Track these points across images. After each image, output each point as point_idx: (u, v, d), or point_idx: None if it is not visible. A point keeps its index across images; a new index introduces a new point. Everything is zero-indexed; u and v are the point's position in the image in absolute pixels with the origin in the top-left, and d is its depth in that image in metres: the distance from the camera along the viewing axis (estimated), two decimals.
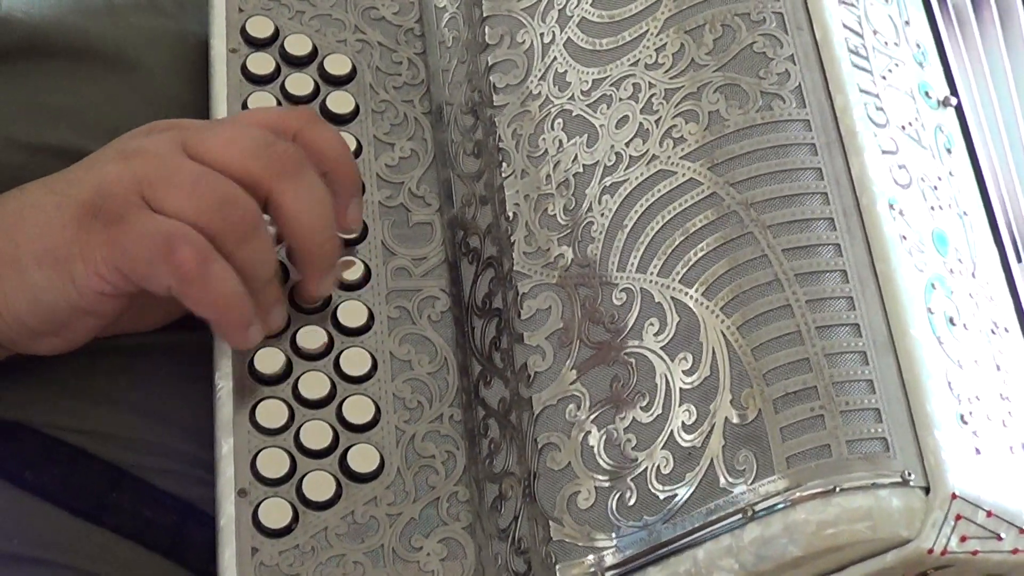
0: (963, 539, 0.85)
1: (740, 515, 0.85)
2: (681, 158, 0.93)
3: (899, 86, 0.95)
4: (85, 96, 1.07)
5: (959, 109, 0.97)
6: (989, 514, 0.85)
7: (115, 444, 1.03)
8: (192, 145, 0.97)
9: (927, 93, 0.97)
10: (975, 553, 0.85)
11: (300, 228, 0.97)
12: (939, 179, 0.94)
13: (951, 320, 0.89)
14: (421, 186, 1.06)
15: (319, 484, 0.96)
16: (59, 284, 0.96)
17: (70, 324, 0.99)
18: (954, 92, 0.98)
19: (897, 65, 0.96)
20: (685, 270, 0.91)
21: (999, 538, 0.86)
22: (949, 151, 0.96)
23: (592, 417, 0.92)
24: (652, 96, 0.96)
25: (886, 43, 0.97)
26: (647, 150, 0.95)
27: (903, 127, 0.94)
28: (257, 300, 0.96)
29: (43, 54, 1.07)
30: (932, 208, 0.93)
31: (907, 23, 0.99)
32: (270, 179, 0.95)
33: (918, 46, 0.99)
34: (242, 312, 0.96)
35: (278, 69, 1.08)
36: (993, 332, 0.91)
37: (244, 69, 1.08)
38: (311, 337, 1.00)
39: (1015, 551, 0.86)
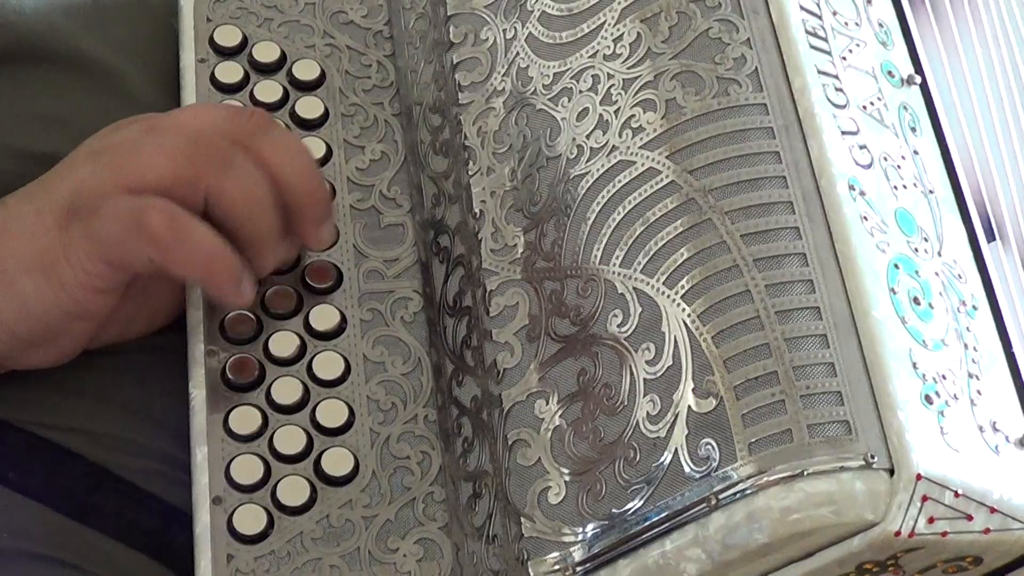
0: (931, 520, 0.83)
1: (704, 504, 0.84)
2: (640, 148, 0.93)
3: (860, 66, 0.94)
4: (76, 104, 1.08)
5: (924, 87, 0.96)
6: (957, 494, 0.84)
7: (102, 443, 1.03)
8: (159, 128, 0.97)
9: (890, 72, 0.96)
10: (944, 535, 0.84)
11: (288, 178, 0.97)
12: (903, 158, 0.93)
13: (915, 300, 0.88)
14: (392, 188, 1.06)
15: (293, 489, 0.96)
16: (48, 290, 0.97)
17: (62, 330, 0.99)
18: (919, 70, 0.97)
19: (858, 45, 0.95)
20: (646, 260, 0.90)
21: (969, 518, 0.84)
22: (914, 130, 0.95)
23: (560, 412, 0.91)
24: (611, 87, 0.95)
25: (846, 23, 0.96)
26: (607, 141, 0.94)
27: (864, 107, 0.93)
28: (254, 234, 0.96)
29: (34, 58, 1.08)
30: (895, 188, 0.92)
31: (869, 3, 0.97)
32: (245, 138, 0.96)
33: (880, 25, 0.97)
34: (228, 263, 0.95)
35: (247, 77, 1.08)
36: (959, 311, 0.90)
37: (213, 78, 1.08)
38: (284, 343, 1.00)
39: (987, 531, 0.85)
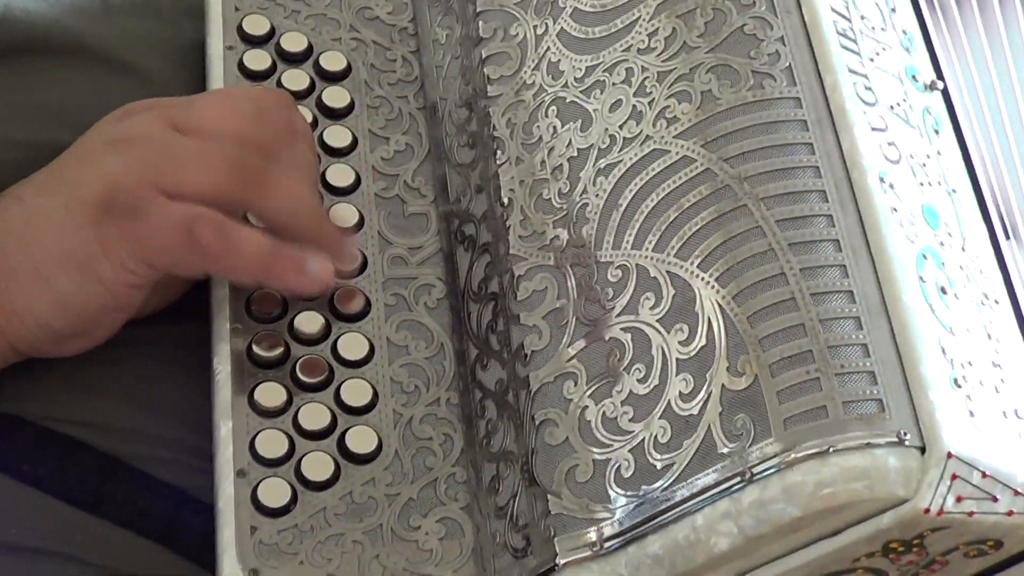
0: (959, 499, 0.85)
1: (738, 479, 0.86)
2: (675, 137, 0.95)
3: (887, 68, 0.97)
4: (82, 95, 1.08)
5: (945, 93, 0.99)
6: (984, 475, 0.86)
7: (110, 434, 1.03)
8: (180, 121, 0.98)
9: (914, 76, 0.99)
10: (971, 514, 0.86)
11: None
12: (927, 157, 0.96)
13: (942, 289, 0.91)
14: (416, 178, 1.08)
15: (318, 465, 0.97)
16: (87, 286, 0.97)
17: (100, 322, 1.00)
18: (940, 76, 1.00)
19: (884, 49, 0.98)
20: (680, 244, 0.92)
21: (994, 499, 0.87)
22: (937, 132, 0.98)
23: (589, 392, 0.93)
24: (645, 79, 0.98)
25: (873, 28, 0.99)
26: (641, 131, 0.96)
27: (891, 107, 0.96)
28: (316, 238, 0.98)
29: (40, 53, 1.08)
30: (921, 184, 0.94)
31: (893, 10, 1.01)
32: (270, 147, 0.97)
33: (904, 32, 1.01)
34: (284, 257, 0.97)
35: (274, 65, 1.10)
36: (983, 303, 0.93)
37: (241, 65, 1.09)
38: (309, 322, 1.01)
39: (1010, 513, 0.87)
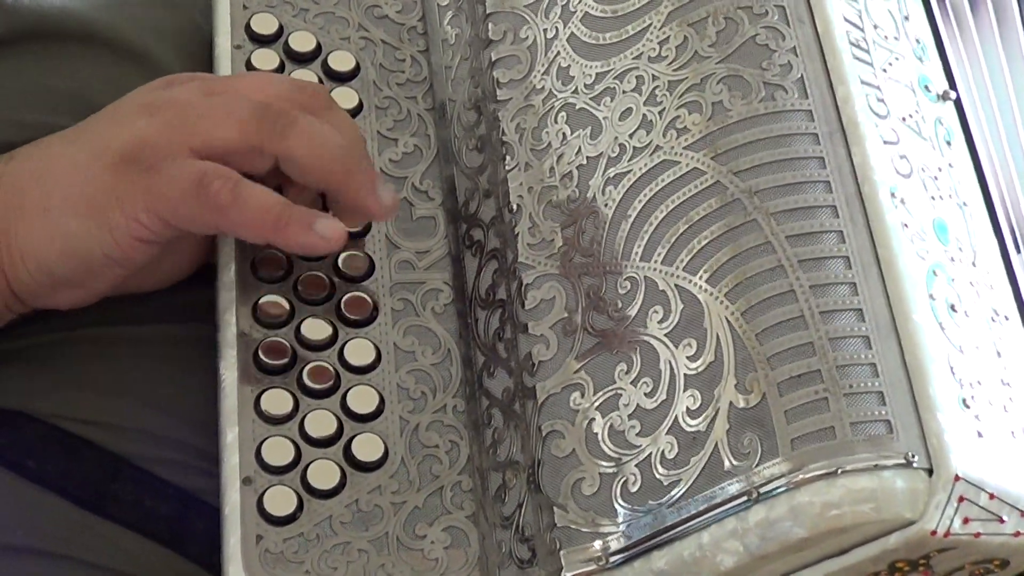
0: (966, 521, 0.85)
1: (745, 497, 0.86)
2: (685, 148, 0.94)
3: (899, 79, 0.97)
4: (92, 81, 1.08)
5: (958, 103, 0.99)
6: (991, 496, 0.86)
7: (117, 434, 1.03)
8: (217, 89, 0.98)
9: (927, 87, 0.98)
10: (977, 535, 0.86)
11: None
12: (939, 170, 0.95)
13: (952, 307, 0.90)
14: (424, 181, 1.07)
15: (324, 472, 0.97)
16: (96, 232, 0.97)
17: (99, 274, 0.99)
18: (953, 86, 0.99)
19: (897, 59, 0.98)
20: (689, 258, 0.92)
21: (1001, 520, 0.86)
22: (949, 143, 0.97)
23: (596, 404, 0.93)
24: (655, 88, 0.97)
25: (886, 37, 0.98)
26: (651, 141, 0.96)
27: (904, 119, 0.95)
28: (346, 182, 0.97)
29: (50, 39, 1.08)
30: (933, 198, 0.94)
31: (906, 18, 1.00)
32: (307, 105, 0.98)
33: (917, 41, 1.00)
34: (293, 214, 0.97)
35: (282, 65, 1.09)
36: (993, 320, 0.92)
37: (249, 65, 1.08)
38: (316, 328, 1.01)
39: (1017, 534, 0.87)
